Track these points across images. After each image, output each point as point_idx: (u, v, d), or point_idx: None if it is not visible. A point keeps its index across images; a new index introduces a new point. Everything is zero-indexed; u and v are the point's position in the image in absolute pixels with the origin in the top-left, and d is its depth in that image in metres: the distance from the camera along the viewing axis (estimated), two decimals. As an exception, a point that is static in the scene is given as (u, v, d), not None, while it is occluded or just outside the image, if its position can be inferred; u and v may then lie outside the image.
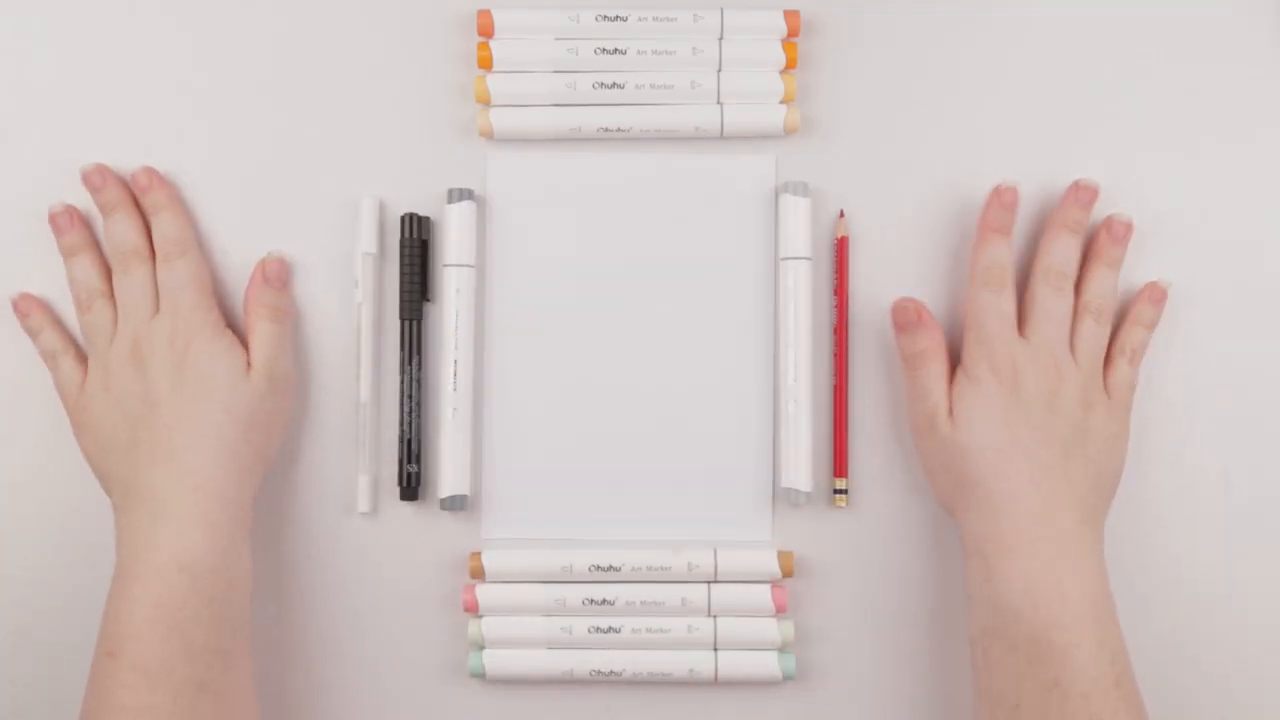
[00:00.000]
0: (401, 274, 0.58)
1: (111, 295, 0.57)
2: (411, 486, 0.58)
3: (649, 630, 0.58)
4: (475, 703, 0.59)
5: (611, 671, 0.57)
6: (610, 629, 0.58)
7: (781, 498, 0.59)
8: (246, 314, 0.57)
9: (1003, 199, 0.57)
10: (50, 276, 0.59)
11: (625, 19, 0.59)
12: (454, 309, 0.58)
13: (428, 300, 0.59)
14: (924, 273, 0.60)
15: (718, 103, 0.59)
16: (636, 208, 0.60)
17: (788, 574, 0.58)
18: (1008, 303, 0.55)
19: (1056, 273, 0.56)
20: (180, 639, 0.50)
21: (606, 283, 0.60)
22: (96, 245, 0.58)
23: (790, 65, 0.59)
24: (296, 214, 0.60)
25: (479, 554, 0.58)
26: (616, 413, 0.60)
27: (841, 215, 0.59)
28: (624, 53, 0.59)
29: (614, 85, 0.59)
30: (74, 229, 0.57)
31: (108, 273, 0.57)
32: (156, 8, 0.60)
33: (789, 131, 0.59)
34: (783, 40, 0.59)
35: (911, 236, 0.60)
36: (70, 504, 0.59)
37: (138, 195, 0.58)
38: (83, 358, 0.57)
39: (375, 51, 0.60)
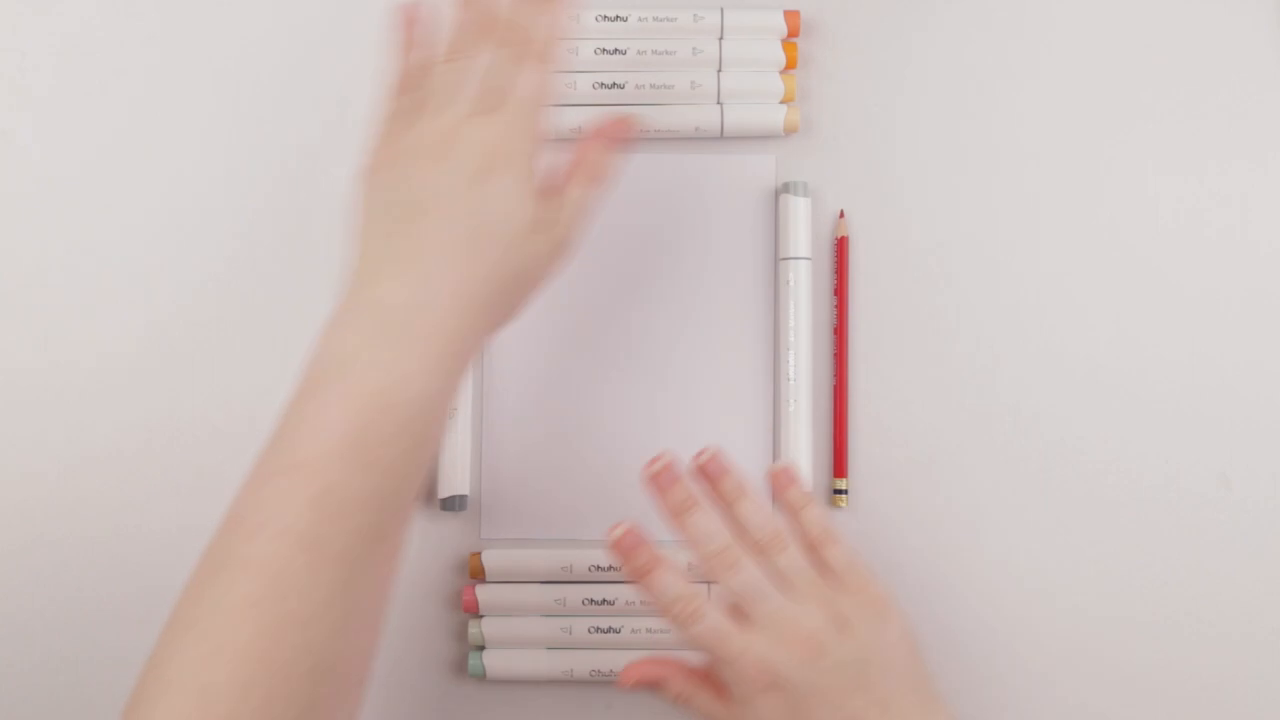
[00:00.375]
0: None
1: (462, 65, 0.50)
2: None
3: (649, 630, 0.58)
4: (475, 703, 0.59)
5: (611, 671, 0.57)
6: (610, 629, 0.58)
7: (781, 498, 0.59)
8: (574, 167, 0.52)
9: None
10: (50, 275, 0.59)
11: (625, 19, 0.59)
12: None
13: None
14: (924, 273, 0.60)
15: (718, 103, 0.59)
16: (636, 207, 0.60)
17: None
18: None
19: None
20: (374, 478, 0.45)
21: (606, 282, 0.60)
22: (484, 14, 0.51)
23: (790, 65, 0.59)
24: (296, 213, 0.60)
25: (479, 554, 0.58)
26: (616, 412, 0.60)
27: (841, 215, 0.60)
28: (624, 53, 0.59)
29: (614, 85, 0.59)
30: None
31: (473, 42, 0.50)
32: (155, 8, 0.60)
33: (789, 132, 0.59)
34: (783, 40, 0.59)
35: (911, 236, 0.60)
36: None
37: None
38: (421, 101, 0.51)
39: (377, 46, 0.60)
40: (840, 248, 0.59)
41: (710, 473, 0.53)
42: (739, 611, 0.50)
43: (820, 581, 0.51)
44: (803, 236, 0.59)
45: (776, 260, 0.59)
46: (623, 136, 0.53)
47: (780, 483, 0.55)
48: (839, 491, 0.59)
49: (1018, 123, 0.60)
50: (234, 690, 0.42)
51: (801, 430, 0.58)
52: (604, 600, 0.58)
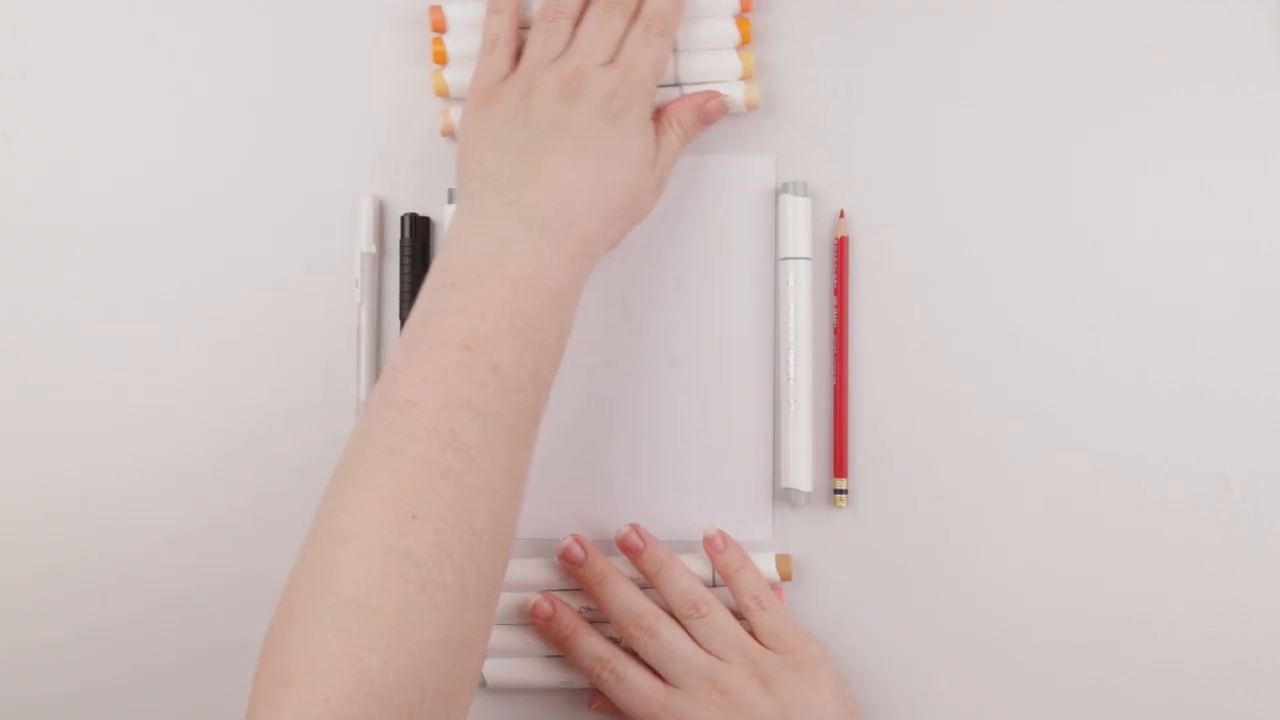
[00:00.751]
0: (401, 274, 0.58)
1: (576, 24, 0.56)
2: None
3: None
4: (475, 712, 0.58)
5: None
6: (610, 638, 0.57)
7: (781, 498, 0.59)
8: (664, 116, 0.57)
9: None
10: (50, 275, 0.59)
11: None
12: None
13: None
14: (924, 272, 0.60)
15: (676, 84, 0.59)
16: None
17: (786, 578, 0.58)
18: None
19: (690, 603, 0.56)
20: (534, 358, 0.49)
21: (606, 284, 0.60)
22: None
23: (745, 40, 0.59)
24: (296, 214, 0.60)
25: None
26: (616, 413, 0.60)
27: (841, 215, 0.59)
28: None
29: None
30: None
31: (585, 4, 0.56)
32: (155, 7, 0.60)
33: (750, 108, 0.59)
34: (736, 17, 0.59)
35: (911, 237, 0.60)
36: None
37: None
38: (517, 58, 0.56)
39: (377, 51, 0.60)
40: (840, 248, 0.59)
41: (628, 548, 0.57)
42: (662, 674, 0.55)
43: (749, 643, 0.55)
44: (803, 236, 0.58)
45: (776, 260, 0.59)
46: (711, 110, 0.57)
47: (714, 548, 0.57)
48: (839, 491, 0.59)
49: (1018, 123, 0.60)
50: (436, 557, 0.43)
51: (801, 430, 0.58)
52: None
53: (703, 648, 0.55)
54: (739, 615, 0.56)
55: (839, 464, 0.59)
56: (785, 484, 0.58)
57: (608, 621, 0.57)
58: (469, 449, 0.46)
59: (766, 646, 0.55)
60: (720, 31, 0.59)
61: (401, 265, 0.59)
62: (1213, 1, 0.60)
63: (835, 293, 0.59)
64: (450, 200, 0.59)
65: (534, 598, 0.57)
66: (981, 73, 0.60)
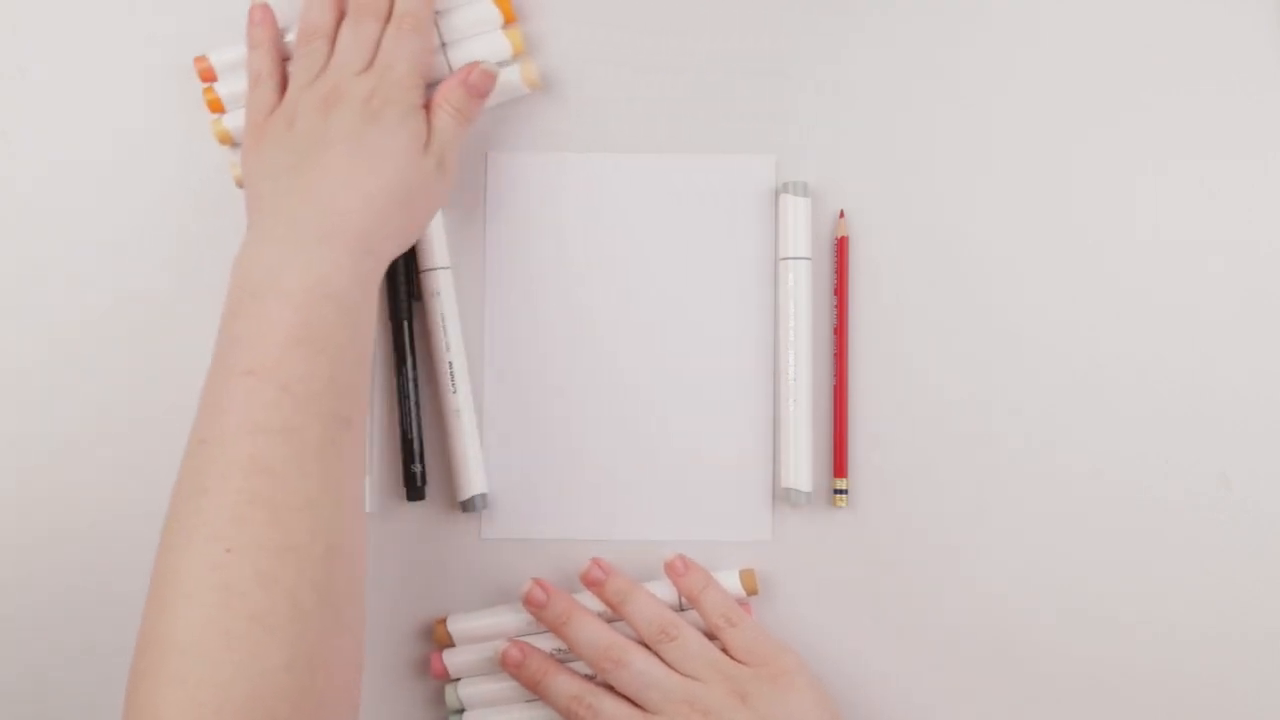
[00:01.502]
0: (389, 276, 0.58)
1: (333, 41, 0.56)
2: (418, 486, 0.58)
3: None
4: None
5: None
6: (585, 676, 0.57)
7: (781, 498, 0.59)
8: (433, 101, 0.57)
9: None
10: (50, 274, 0.59)
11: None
12: (439, 312, 0.58)
13: (416, 300, 0.59)
14: (924, 272, 0.60)
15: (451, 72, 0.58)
16: (637, 209, 0.60)
17: (752, 592, 0.58)
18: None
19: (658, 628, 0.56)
20: (327, 365, 0.48)
21: (607, 284, 0.60)
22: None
23: (509, 19, 0.59)
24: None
25: (444, 621, 0.58)
26: (616, 413, 0.59)
27: (841, 215, 0.59)
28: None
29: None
30: None
31: (339, 19, 0.57)
32: (155, 7, 0.60)
33: (532, 87, 0.59)
34: None
35: (912, 236, 0.60)
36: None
37: None
38: (283, 87, 0.57)
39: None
40: (840, 248, 0.59)
41: (590, 581, 0.57)
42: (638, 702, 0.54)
43: (723, 660, 0.55)
44: (803, 236, 0.58)
45: (776, 260, 0.59)
46: (476, 82, 0.57)
47: (675, 572, 0.57)
48: (839, 491, 0.59)
49: (1018, 123, 0.60)
50: (257, 583, 0.43)
51: (801, 430, 0.58)
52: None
53: (677, 671, 0.55)
54: (711, 636, 0.56)
55: (839, 464, 0.59)
56: (785, 484, 0.58)
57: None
58: (274, 470, 0.46)
59: (741, 663, 0.55)
60: (481, 15, 0.58)
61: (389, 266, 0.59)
62: (1213, 1, 0.60)
63: (835, 293, 0.59)
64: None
65: (509, 645, 0.57)
66: (981, 73, 0.60)
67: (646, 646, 0.56)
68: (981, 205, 0.60)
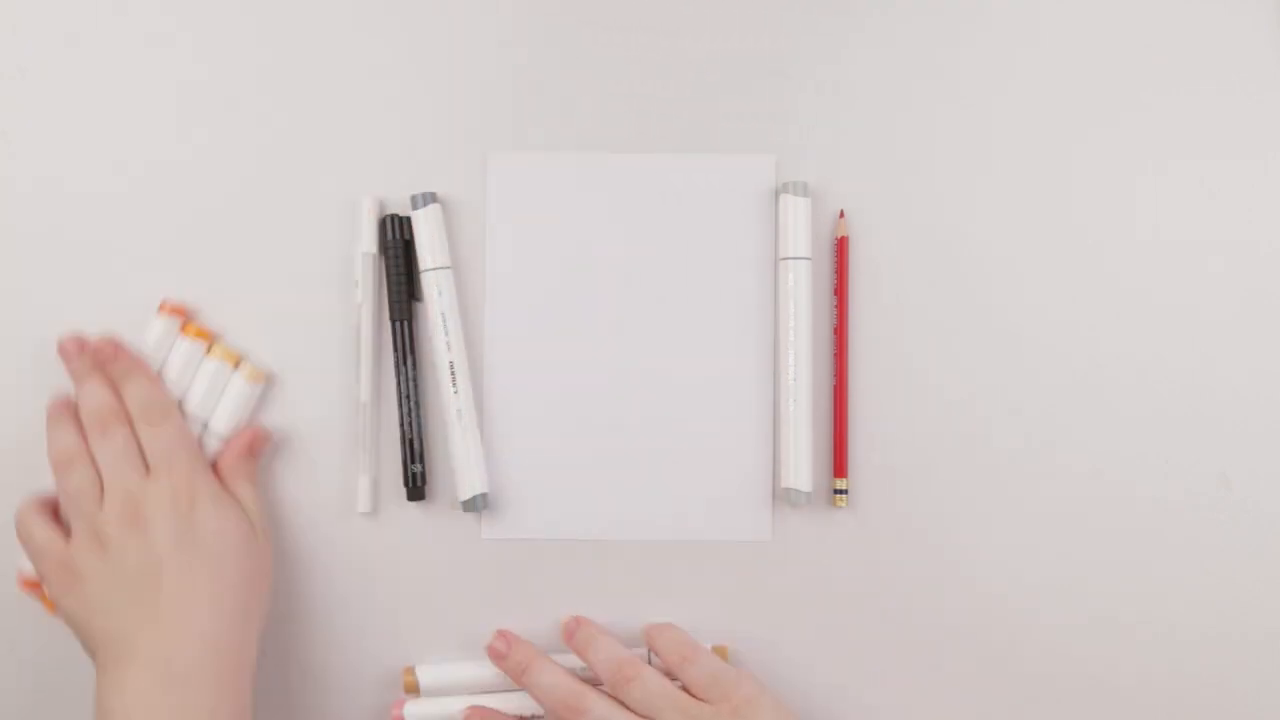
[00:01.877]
0: (388, 275, 0.58)
1: (91, 459, 0.55)
2: (418, 486, 0.58)
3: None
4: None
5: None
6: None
7: (781, 498, 0.59)
8: (227, 476, 0.57)
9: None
10: (50, 278, 0.59)
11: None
12: (439, 311, 0.58)
13: (416, 300, 0.59)
14: (923, 272, 0.60)
15: (205, 427, 0.59)
16: (637, 209, 0.60)
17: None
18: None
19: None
20: None
21: (607, 284, 0.60)
22: (73, 412, 0.57)
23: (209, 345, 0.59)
24: (296, 214, 0.60)
25: (412, 669, 0.58)
26: (617, 413, 0.59)
27: (841, 215, 0.59)
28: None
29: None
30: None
31: (83, 438, 0.56)
32: (155, 7, 0.60)
33: (258, 382, 0.58)
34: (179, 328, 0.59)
35: (911, 237, 0.60)
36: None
37: (104, 364, 0.57)
38: (65, 527, 0.55)
39: (376, 51, 0.60)
40: (840, 248, 0.59)
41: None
42: None
43: (683, 699, 0.54)
44: (803, 236, 0.58)
45: (776, 260, 0.59)
46: (256, 444, 0.58)
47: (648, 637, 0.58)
48: (839, 491, 0.59)
49: (1018, 123, 0.60)
50: None
51: (801, 430, 0.58)
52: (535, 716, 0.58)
53: (638, 715, 0.54)
54: (671, 676, 0.56)
55: (839, 464, 0.59)
56: (785, 484, 0.58)
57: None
58: None
59: (701, 700, 0.54)
60: (213, 372, 0.58)
61: (387, 267, 0.59)
62: (1213, 1, 0.60)
63: (835, 293, 0.59)
64: (415, 205, 0.58)
65: (463, 711, 0.57)
66: (981, 73, 0.60)
67: (606, 694, 0.56)
68: (981, 205, 0.60)
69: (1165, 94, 0.60)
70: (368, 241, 0.59)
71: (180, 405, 0.58)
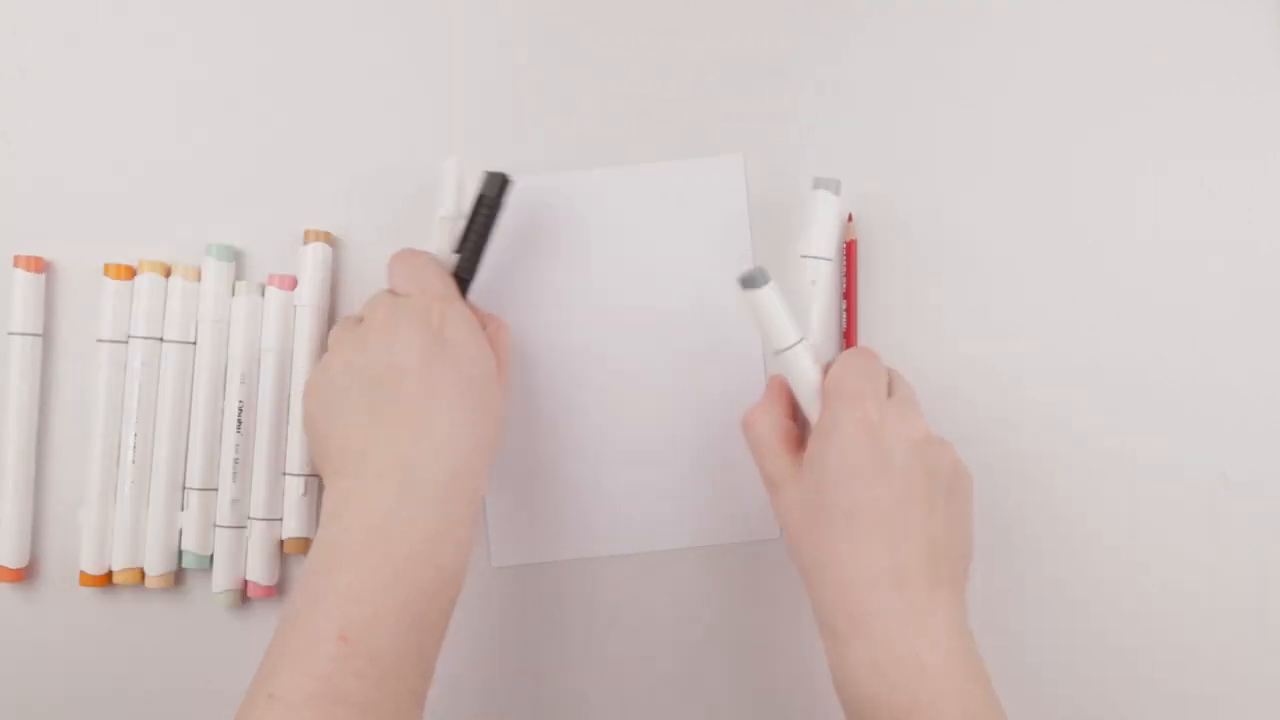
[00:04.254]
0: (469, 233, 0.56)
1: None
2: None
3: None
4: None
5: None
6: None
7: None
8: (481, 316, 0.55)
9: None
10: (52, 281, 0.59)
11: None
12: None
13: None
14: (923, 272, 0.59)
15: None
16: (622, 221, 0.60)
17: None
18: (879, 368, 0.52)
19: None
20: (418, 640, 0.47)
21: (601, 297, 0.59)
22: None
23: None
24: (296, 214, 0.59)
25: None
26: (617, 427, 0.59)
27: (850, 219, 0.59)
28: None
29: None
30: None
31: None
32: (155, 7, 0.60)
33: None
34: None
35: (911, 237, 0.60)
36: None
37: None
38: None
39: (377, 51, 0.60)
40: (849, 251, 0.59)
41: None
42: None
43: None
44: (830, 236, 0.55)
45: (797, 256, 0.58)
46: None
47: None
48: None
49: (1018, 123, 0.60)
50: None
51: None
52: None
53: None
54: None
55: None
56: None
57: None
58: None
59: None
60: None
61: (474, 223, 0.56)
62: (1213, 1, 0.60)
63: (844, 296, 0.59)
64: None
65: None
66: (981, 73, 0.60)
67: None
68: (981, 205, 0.60)
69: (1165, 94, 0.60)
70: (454, 201, 0.56)
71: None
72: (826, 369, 0.52)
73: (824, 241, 0.55)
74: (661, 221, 0.60)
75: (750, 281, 0.50)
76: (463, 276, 0.55)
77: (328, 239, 0.59)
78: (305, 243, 0.58)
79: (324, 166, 0.60)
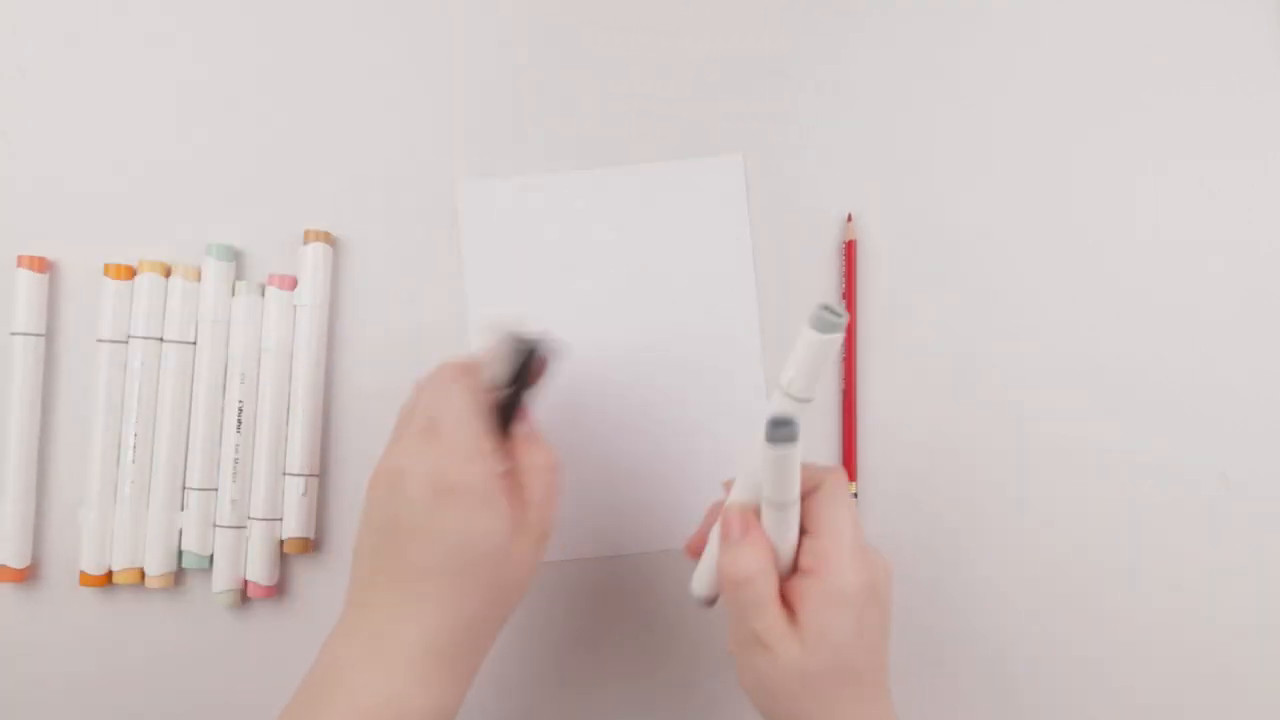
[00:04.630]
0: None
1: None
2: None
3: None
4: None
5: None
6: None
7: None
8: (517, 445, 0.50)
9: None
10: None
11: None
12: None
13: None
14: (923, 273, 0.60)
15: None
16: (612, 222, 0.60)
17: None
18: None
19: None
20: None
21: (598, 300, 0.59)
22: None
23: None
24: (296, 214, 0.60)
25: None
26: (622, 428, 0.59)
27: (850, 219, 0.59)
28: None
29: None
30: None
31: None
32: (155, 7, 0.60)
33: None
34: None
35: (911, 237, 0.60)
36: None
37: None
38: None
39: (377, 51, 0.60)
40: (849, 251, 0.59)
41: None
42: None
43: None
44: (808, 375, 0.45)
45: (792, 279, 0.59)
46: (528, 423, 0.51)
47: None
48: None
49: (1018, 123, 0.60)
50: None
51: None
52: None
53: None
54: None
55: (849, 468, 0.59)
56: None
57: None
58: None
59: None
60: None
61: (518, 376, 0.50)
62: (1213, 1, 0.60)
63: (844, 296, 0.59)
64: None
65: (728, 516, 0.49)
66: (981, 73, 0.60)
67: None
68: (981, 206, 0.60)
69: (1165, 94, 0.60)
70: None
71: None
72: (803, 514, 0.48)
73: (804, 382, 0.44)
74: (661, 221, 0.60)
75: (780, 436, 0.42)
76: (505, 414, 0.50)
77: (328, 239, 0.59)
78: (305, 243, 0.58)
79: (324, 166, 0.60)
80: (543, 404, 0.58)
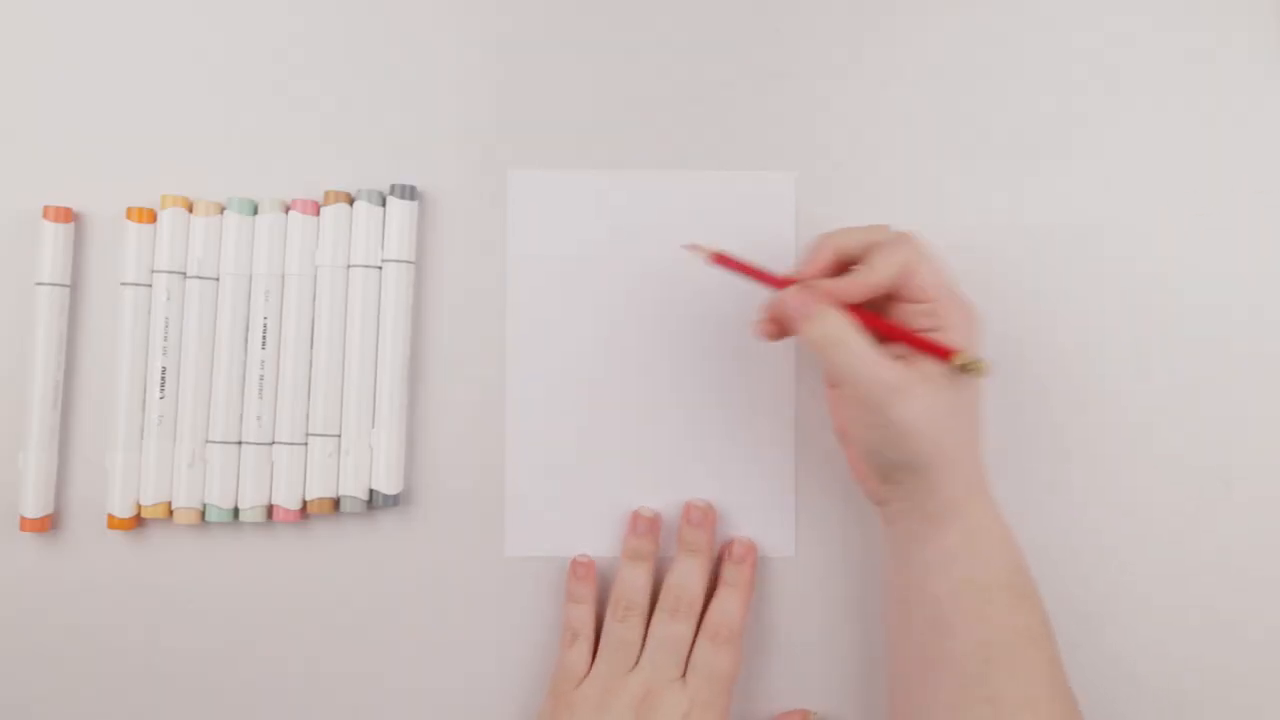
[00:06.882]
0: None
1: (646, 621, 0.56)
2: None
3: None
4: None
5: None
6: None
7: (805, 511, 0.59)
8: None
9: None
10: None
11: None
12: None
13: None
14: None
15: None
16: (657, 226, 0.59)
17: None
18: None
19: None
20: None
21: (629, 301, 0.59)
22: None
23: None
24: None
25: None
26: (640, 431, 0.59)
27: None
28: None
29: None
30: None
31: (653, 591, 0.57)
32: (155, 7, 0.60)
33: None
34: None
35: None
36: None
37: (725, 562, 0.57)
38: (593, 651, 0.57)
39: (379, 51, 0.60)
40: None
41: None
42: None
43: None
44: None
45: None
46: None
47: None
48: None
49: (1019, 126, 0.60)
50: None
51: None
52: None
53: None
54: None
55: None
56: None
57: None
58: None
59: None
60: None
61: None
62: (1213, 2, 0.60)
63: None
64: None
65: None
66: (981, 72, 0.60)
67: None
68: (981, 206, 0.60)
69: (1165, 95, 0.60)
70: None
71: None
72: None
73: None
74: (709, 229, 0.59)
75: None
76: None
77: (347, 200, 0.59)
78: (325, 204, 0.59)
79: (326, 166, 0.60)
80: (565, 397, 0.59)
